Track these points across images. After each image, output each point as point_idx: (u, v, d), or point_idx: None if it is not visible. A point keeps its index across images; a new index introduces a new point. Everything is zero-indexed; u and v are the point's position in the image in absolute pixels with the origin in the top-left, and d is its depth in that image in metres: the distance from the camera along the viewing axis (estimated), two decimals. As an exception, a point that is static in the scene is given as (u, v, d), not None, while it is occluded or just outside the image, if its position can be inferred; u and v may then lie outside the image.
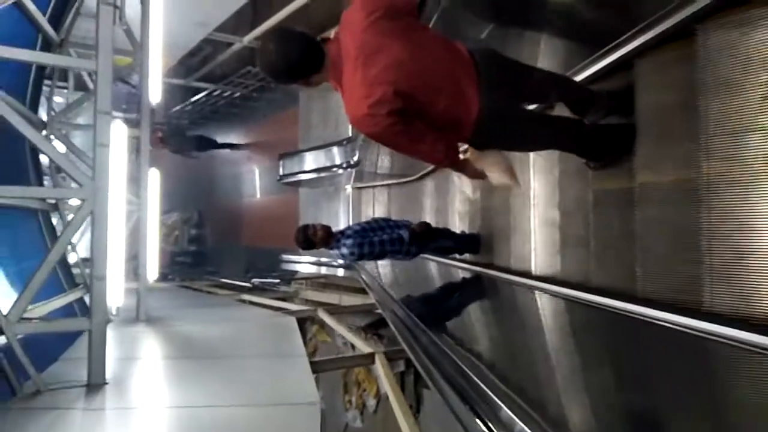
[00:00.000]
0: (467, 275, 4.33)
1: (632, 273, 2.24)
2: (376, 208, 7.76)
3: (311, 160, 8.15)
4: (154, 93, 5.72)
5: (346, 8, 2.06)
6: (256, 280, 9.77)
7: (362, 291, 6.91)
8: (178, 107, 14.56)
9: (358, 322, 8.08)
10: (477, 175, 2.30)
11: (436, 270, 5.24)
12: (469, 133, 2.10)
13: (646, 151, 2.27)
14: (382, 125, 1.94)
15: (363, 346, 4.68)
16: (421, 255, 4.42)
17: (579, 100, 2.45)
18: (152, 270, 5.76)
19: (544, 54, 3.06)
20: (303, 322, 8.60)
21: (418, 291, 4.85)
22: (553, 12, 3.02)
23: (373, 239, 3.96)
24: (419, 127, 2.02)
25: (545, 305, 2.89)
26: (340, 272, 7.27)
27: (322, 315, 6.44)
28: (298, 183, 8.90)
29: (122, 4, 4.48)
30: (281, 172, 8.98)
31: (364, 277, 6.23)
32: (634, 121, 2.31)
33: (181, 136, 13.64)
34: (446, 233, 4.49)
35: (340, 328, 5.95)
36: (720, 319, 1.76)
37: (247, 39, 8.91)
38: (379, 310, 4.59)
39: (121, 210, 4.71)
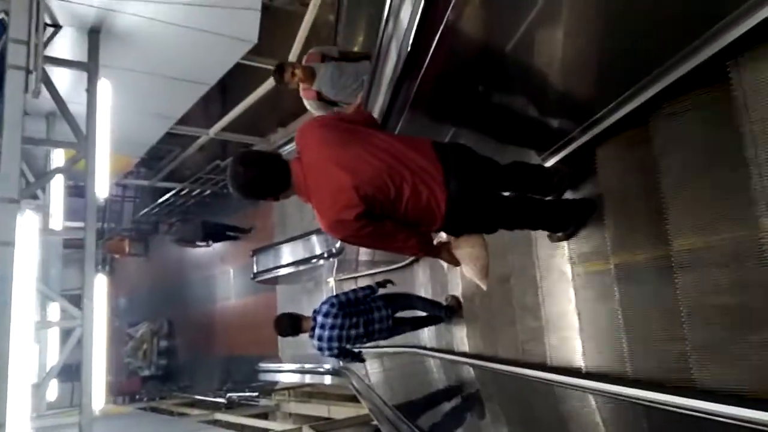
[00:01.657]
0: (465, 370, 4.10)
1: (621, 354, 2.32)
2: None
3: (288, 253, 7.40)
4: (101, 188, 5.00)
5: (300, 128, 2.18)
6: (231, 395, 8.68)
7: (353, 399, 6.22)
8: (145, 210, 13.87)
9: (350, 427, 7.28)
10: (452, 262, 2.39)
11: (435, 367, 4.84)
12: (441, 224, 2.16)
13: (617, 233, 2.41)
14: (352, 229, 2.03)
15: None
16: (418, 350, 4.67)
17: (542, 183, 2.61)
18: (98, 396, 4.76)
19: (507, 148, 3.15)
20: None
21: (421, 395, 4.30)
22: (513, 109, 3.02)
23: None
24: (389, 226, 2.10)
25: (554, 398, 2.80)
26: (327, 380, 6.32)
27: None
28: (275, 280, 8.07)
29: (37, 68, 3.75)
30: (255, 269, 8.18)
31: (354, 383, 5.36)
32: (592, 195, 2.52)
33: (185, 223, 11.91)
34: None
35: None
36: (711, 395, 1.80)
37: (213, 131, 8.43)
38: (375, 422, 3.92)
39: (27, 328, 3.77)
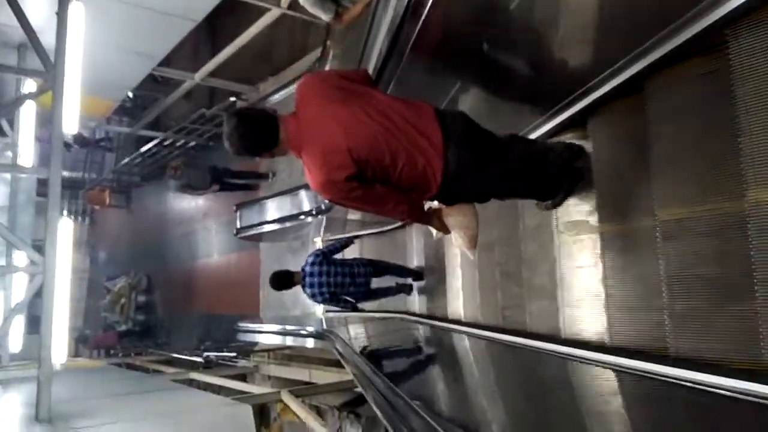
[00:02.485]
0: (450, 336, 4.06)
1: (602, 321, 2.35)
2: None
3: (274, 208, 6.99)
4: (70, 123, 4.53)
5: (300, 81, 2.19)
6: (209, 354, 8.38)
7: (336, 363, 5.88)
8: (126, 159, 13.33)
9: (332, 400, 7.00)
10: (443, 229, 2.39)
11: (426, 334, 4.67)
12: (435, 192, 2.15)
13: (606, 201, 2.42)
14: (342, 191, 2.02)
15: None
16: (406, 316, 4.89)
17: (539, 161, 2.56)
18: (60, 349, 4.40)
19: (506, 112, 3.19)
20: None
21: (409, 362, 4.17)
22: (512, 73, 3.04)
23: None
24: (380, 190, 2.08)
25: (535, 364, 2.82)
26: (310, 343, 6.01)
27: (287, 399, 5.17)
28: (259, 237, 7.69)
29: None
30: (238, 224, 7.78)
31: (339, 347, 5.06)
32: (582, 163, 2.52)
33: (191, 168, 9.64)
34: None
35: (309, 418, 4.67)
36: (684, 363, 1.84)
37: (200, 75, 7.90)
38: (359, 389, 3.82)
39: None
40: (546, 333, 2.78)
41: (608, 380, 2.21)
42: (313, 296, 4.48)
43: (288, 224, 6.61)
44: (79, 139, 14.56)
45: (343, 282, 4.53)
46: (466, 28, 2.82)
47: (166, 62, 7.68)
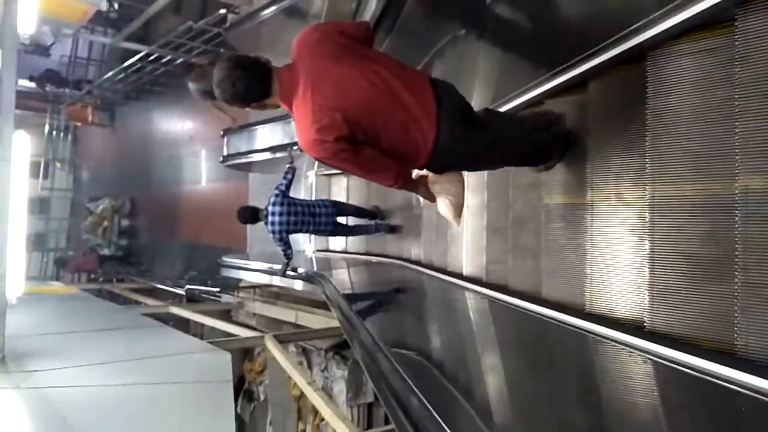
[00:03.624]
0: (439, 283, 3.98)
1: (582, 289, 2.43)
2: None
3: (264, 136, 6.42)
4: (27, 19, 3.88)
5: (298, 35, 2.13)
6: (191, 287, 7.99)
7: (324, 305, 5.51)
8: (109, 74, 12.48)
9: (319, 342, 6.82)
10: (429, 197, 2.41)
11: (413, 280, 4.50)
12: (425, 161, 2.18)
13: (599, 170, 2.42)
14: (330, 151, 2.00)
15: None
16: (394, 260, 4.99)
17: (522, 129, 2.67)
18: (16, 279, 3.93)
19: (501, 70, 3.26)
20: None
21: (396, 310, 3.95)
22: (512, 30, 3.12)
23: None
24: (368, 153, 2.07)
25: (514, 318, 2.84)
26: (298, 285, 5.60)
27: (271, 345, 4.81)
28: (248, 166, 7.13)
29: None
30: (225, 151, 7.21)
31: (327, 292, 4.67)
32: (579, 129, 2.56)
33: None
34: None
35: (292, 370, 4.31)
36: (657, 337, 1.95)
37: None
38: (345, 336, 3.55)
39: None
40: (528, 291, 2.86)
41: (577, 342, 2.29)
42: (272, 233, 4.77)
43: (279, 155, 6.06)
44: (47, 78, 13.72)
45: (303, 220, 4.86)
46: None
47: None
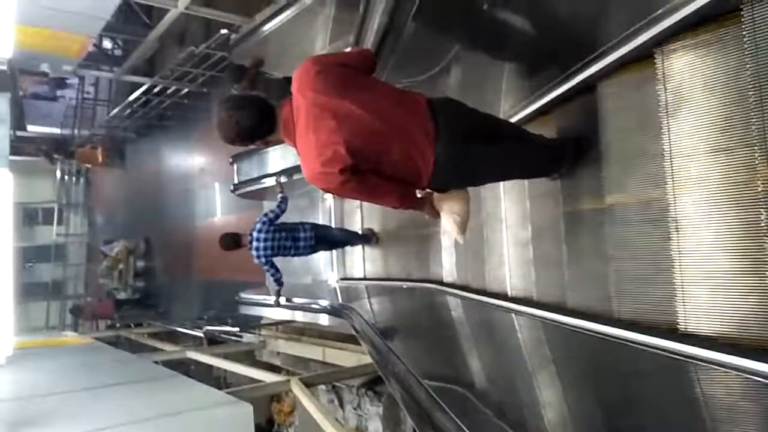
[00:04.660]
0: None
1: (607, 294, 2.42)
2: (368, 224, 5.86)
3: (277, 158, 6.00)
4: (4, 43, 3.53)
5: (298, 68, 2.17)
6: (210, 329, 7.54)
7: (353, 338, 5.18)
8: (115, 110, 12.28)
9: (350, 379, 6.20)
10: (434, 215, 2.46)
11: (448, 305, 4.19)
12: (427, 182, 2.22)
13: (614, 172, 2.43)
14: (336, 182, 2.07)
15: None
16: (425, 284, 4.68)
17: (529, 139, 2.63)
18: (5, 333, 3.49)
19: (508, 80, 3.22)
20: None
21: (435, 339, 3.55)
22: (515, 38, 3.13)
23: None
24: (372, 181, 2.14)
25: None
26: (323, 319, 5.11)
27: (298, 390, 4.33)
28: (261, 194, 6.70)
29: None
30: (236, 179, 6.80)
31: (356, 325, 4.25)
32: (591, 132, 2.52)
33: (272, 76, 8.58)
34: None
35: (322, 418, 3.81)
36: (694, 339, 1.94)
37: (183, 2, 6.74)
38: (380, 373, 3.29)
39: None
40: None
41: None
42: (257, 258, 4.97)
43: (293, 177, 5.62)
44: (55, 149, 13.64)
45: (286, 245, 5.08)
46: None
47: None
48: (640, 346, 2.10)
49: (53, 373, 4.88)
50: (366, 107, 2.07)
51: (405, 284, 5.19)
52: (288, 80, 5.41)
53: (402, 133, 2.11)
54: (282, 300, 5.30)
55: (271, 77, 4.68)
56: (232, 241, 5.13)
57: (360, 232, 5.80)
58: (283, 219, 6.01)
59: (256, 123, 2.09)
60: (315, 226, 5.44)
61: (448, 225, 2.43)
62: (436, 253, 4.64)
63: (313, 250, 5.41)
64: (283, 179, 5.59)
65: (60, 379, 4.66)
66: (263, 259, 4.95)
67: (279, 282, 5.11)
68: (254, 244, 4.90)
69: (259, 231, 4.91)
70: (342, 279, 6.27)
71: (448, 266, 4.45)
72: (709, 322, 1.93)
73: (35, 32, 7.09)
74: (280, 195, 5.11)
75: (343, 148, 2.00)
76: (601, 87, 2.47)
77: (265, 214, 5.01)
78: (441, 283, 4.53)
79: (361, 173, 2.08)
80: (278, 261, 6.65)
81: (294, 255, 5.29)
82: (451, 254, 4.34)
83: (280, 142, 2.19)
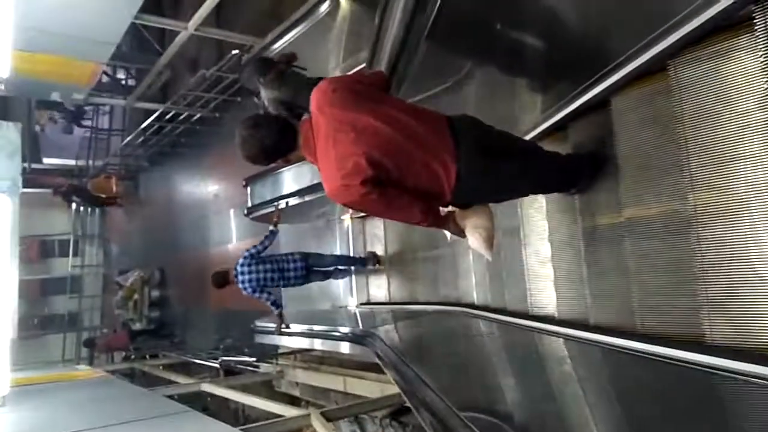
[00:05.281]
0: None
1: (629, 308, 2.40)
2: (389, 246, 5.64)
3: (291, 179, 5.79)
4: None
5: (317, 87, 2.21)
6: (225, 359, 7.28)
7: (375, 367, 4.88)
8: (128, 138, 12.24)
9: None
10: (458, 233, 2.43)
11: (482, 330, 3.90)
12: (449, 198, 2.23)
13: (631, 186, 2.42)
14: (357, 195, 2.06)
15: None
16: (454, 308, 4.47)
17: (549, 155, 2.65)
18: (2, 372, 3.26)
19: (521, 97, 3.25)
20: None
21: (470, 368, 3.27)
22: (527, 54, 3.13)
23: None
24: (394, 193, 2.12)
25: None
26: (345, 347, 4.83)
27: (318, 425, 4.05)
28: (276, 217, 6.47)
29: None
30: (249, 202, 6.59)
31: (380, 353, 3.99)
32: (605, 147, 2.55)
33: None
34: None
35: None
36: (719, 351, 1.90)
37: (193, 24, 6.63)
38: (407, 404, 3.02)
39: None
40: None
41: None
42: (244, 290, 5.10)
43: (308, 198, 5.40)
44: (73, 192, 13.75)
45: (273, 277, 5.17)
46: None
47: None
48: (665, 360, 2.08)
49: (61, 409, 4.64)
50: (384, 120, 2.09)
51: (429, 307, 4.94)
52: (321, 79, 5.09)
53: (422, 146, 2.11)
54: (284, 329, 5.33)
55: (304, 74, 4.41)
56: (221, 278, 5.25)
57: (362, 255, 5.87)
58: (296, 245, 6.05)
59: (277, 140, 2.12)
60: (306, 256, 5.49)
61: (474, 242, 2.41)
62: (456, 274, 4.47)
63: (306, 279, 5.48)
64: (283, 204, 5.65)
65: (67, 416, 4.41)
66: (250, 293, 5.09)
67: (276, 305, 5.15)
68: (239, 278, 5.06)
69: (242, 265, 5.08)
70: (362, 304, 6.00)
71: (467, 287, 4.28)
72: (735, 334, 1.91)
73: (44, 59, 7.03)
74: (271, 228, 5.22)
75: (364, 159, 2.00)
76: (615, 101, 2.47)
77: (248, 250, 5.16)
78: (466, 305, 4.31)
79: (383, 186, 2.07)
80: (293, 289, 6.53)
81: (284, 286, 5.38)
82: (472, 274, 4.22)
83: (300, 159, 2.21)
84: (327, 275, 5.83)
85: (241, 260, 5.10)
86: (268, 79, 4.17)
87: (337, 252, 6.35)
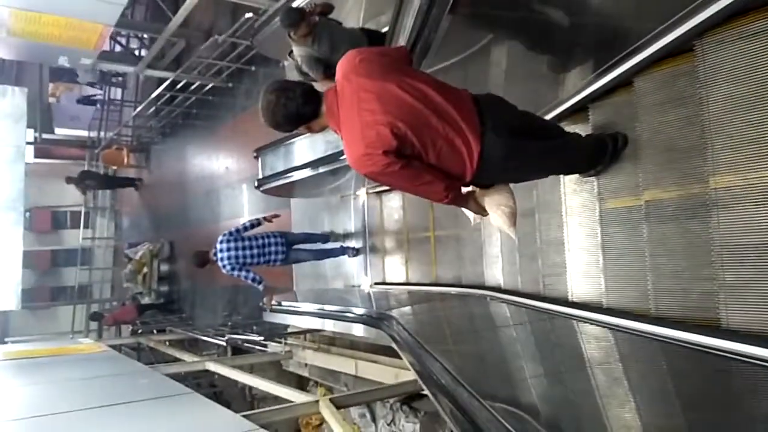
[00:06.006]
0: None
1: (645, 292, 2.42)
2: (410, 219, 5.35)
3: (306, 149, 5.46)
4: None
5: (342, 59, 2.20)
6: (232, 337, 7.04)
7: (388, 350, 4.74)
8: (139, 108, 11.97)
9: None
10: (480, 211, 2.46)
11: (511, 316, 3.68)
12: (472, 176, 2.21)
13: (651, 168, 2.44)
14: (380, 164, 2.05)
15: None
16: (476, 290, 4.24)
17: (573, 136, 2.70)
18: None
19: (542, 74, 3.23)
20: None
21: (497, 356, 3.12)
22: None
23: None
24: (417, 167, 2.12)
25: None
26: (357, 329, 4.53)
27: (327, 413, 3.79)
28: (288, 189, 6.17)
29: None
30: (260, 174, 6.27)
31: (397, 336, 3.77)
32: (627, 128, 2.57)
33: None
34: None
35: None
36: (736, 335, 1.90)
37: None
38: (425, 391, 2.86)
39: None
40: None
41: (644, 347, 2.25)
42: (223, 267, 5.18)
43: (322, 169, 5.07)
44: (86, 177, 13.58)
45: (252, 254, 5.25)
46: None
47: None
48: (683, 345, 2.07)
49: (56, 387, 4.40)
50: (410, 91, 2.07)
51: (450, 289, 4.65)
52: (364, 30, 4.58)
53: (446, 121, 2.09)
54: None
55: (341, 25, 3.98)
56: (200, 258, 5.37)
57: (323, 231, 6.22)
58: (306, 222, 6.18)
59: (302, 106, 2.08)
60: (284, 233, 5.67)
61: (497, 220, 2.41)
62: (479, 255, 4.23)
63: (286, 257, 5.56)
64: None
65: (63, 395, 4.17)
66: (228, 268, 5.15)
67: (257, 281, 5.19)
68: (218, 255, 5.15)
69: (221, 242, 5.18)
70: (377, 283, 5.70)
71: (485, 269, 4.11)
72: (753, 318, 1.92)
73: (52, 21, 6.76)
74: (263, 217, 5.42)
75: (388, 130, 1.99)
76: (638, 82, 2.45)
77: (229, 230, 5.28)
78: (483, 287, 4.13)
79: (406, 158, 2.06)
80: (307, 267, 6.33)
81: (267, 263, 5.43)
82: (489, 255, 4.09)
83: (323, 127, 2.18)
84: (314, 256, 5.93)
85: (220, 238, 5.21)
86: (299, 33, 3.72)
87: (351, 230, 6.09)
